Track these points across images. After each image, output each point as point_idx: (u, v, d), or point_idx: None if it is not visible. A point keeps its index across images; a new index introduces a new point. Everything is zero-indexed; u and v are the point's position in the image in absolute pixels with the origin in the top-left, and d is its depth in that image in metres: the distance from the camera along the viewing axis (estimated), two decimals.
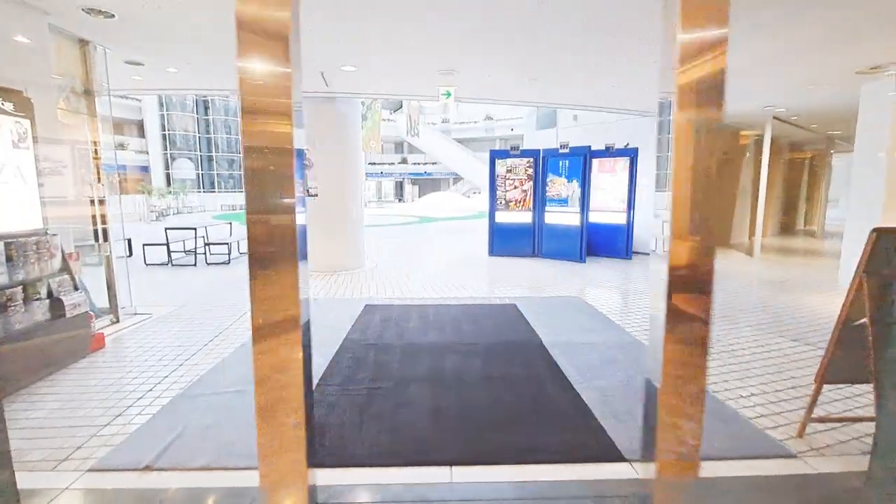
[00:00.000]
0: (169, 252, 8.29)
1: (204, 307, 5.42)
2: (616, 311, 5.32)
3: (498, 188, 9.29)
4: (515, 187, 9.18)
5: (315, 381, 3.22)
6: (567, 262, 8.52)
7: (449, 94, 6.47)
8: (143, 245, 8.47)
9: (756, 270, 7.91)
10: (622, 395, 3.07)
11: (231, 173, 37.24)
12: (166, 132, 34.00)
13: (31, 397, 3.06)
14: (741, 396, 3.08)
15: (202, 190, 35.06)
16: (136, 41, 4.53)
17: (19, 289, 3.34)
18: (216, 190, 36.06)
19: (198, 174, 35.69)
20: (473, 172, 40.25)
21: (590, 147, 8.36)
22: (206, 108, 36.11)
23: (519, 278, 7.21)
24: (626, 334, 4.45)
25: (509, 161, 9.18)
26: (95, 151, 4.61)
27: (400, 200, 45.05)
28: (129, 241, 9.69)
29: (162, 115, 33.79)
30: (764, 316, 5.04)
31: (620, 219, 8.89)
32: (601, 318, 5.01)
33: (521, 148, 9.15)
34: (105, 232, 4.64)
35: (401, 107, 41.42)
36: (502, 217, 9.31)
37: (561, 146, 8.57)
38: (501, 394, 3.09)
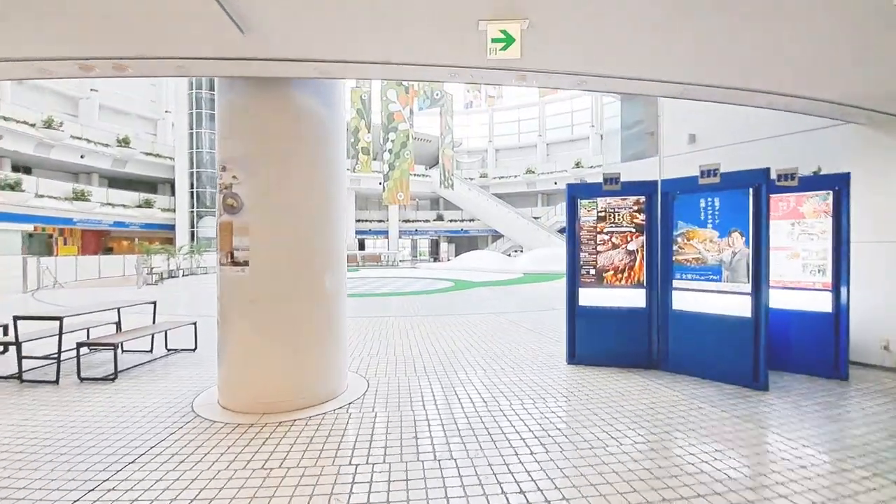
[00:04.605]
0: (20, 360, 4.82)
1: None
2: None
3: (582, 247, 5.46)
4: (614, 246, 5.33)
5: None
6: (726, 388, 4.43)
7: (510, 42, 2.92)
8: None
9: None
10: None
11: None
12: (194, 190, 32.74)
13: None
14: None
15: None
16: None
17: None
18: None
19: None
20: (514, 230, 36.94)
21: (767, 171, 4.49)
22: None
23: (666, 451, 3.18)
24: None
25: (602, 202, 5.41)
26: None
27: (435, 259, 41.94)
28: (6, 327, 6.47)
29: (192, 173, 32.70)
30: None
31: (820, 302, 4.81)
32: None
33: (620, 181, 5.38)
34: None
35: (437, 163, 39.40)
36: (591, 296, 5.38)
37: (704, 172, 4.75)
38: None
